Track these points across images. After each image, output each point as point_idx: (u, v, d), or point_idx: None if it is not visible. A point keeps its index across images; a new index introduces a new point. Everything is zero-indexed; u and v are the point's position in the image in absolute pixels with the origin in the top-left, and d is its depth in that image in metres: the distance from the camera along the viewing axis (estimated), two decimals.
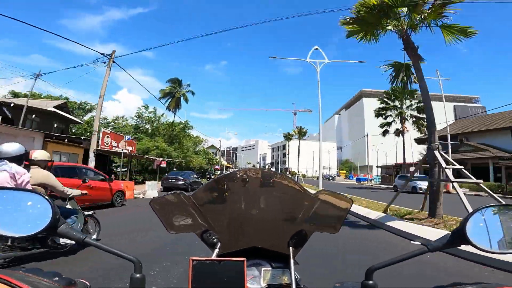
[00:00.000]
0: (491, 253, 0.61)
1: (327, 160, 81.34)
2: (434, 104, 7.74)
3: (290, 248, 0.86)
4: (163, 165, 22.96)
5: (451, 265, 3.81)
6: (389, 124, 30.20)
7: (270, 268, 0.86)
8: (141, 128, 31.06)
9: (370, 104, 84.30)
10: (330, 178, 62.74)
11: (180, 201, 0.84)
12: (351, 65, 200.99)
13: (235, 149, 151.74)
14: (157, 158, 23.21)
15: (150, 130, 30.83)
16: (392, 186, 25.80)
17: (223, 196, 0.89)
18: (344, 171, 79.12)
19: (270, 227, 0.92)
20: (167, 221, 0.87)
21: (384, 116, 30.37)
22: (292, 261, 0.82)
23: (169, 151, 27.03)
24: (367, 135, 45.46)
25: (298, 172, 50.15)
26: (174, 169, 25.56)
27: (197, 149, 39.42)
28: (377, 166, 44.91)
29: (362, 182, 48.11)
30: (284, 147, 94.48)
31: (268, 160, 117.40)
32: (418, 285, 2.77)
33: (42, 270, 0.62)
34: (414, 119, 28.64)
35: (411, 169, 23.95)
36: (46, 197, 0.63)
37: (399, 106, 29.17)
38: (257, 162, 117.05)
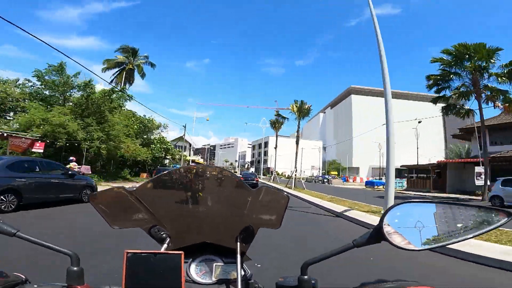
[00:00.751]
0: (405, 250, 0.62)
1: (312, 160, 76.35)
2: None
3: (238, 243, 0.87)
4: (40, 149, 14.31)
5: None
6: (446, 99, 18.91)
7: (222, 263, 0.88)
8: (46, 98, 19.14)
9: (360, 102, 79.99)
10: (325, 180, 48.47)
11: (122, 196, 0.81)
12: (340, 61, 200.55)
13: (213, 146, 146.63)
14: (26, 137, 14.06)
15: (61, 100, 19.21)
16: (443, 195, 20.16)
17: (170, 191, 0.87)
18: (336, 172, 69.54)
19: (219, 223, 0.92)
20: (109, 217, 0.83)
21: (440, 87, 18.50)
22: (238, 256, 0.83)
23: (70, 127, 16.09)
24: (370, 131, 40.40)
25: (275, 170, 46.33)
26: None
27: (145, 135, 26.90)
28: (402, 166, 32.43)
29: (377, 186, 35.25)
30: (266, 144, 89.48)
31: (248, 158, 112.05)
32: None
33: None
34: (492, 93, 16.99)
35: (478, 169, 17.65)
36: None
37: (471, 69, 16.80)
38: (236, 161, 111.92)
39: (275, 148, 37.95)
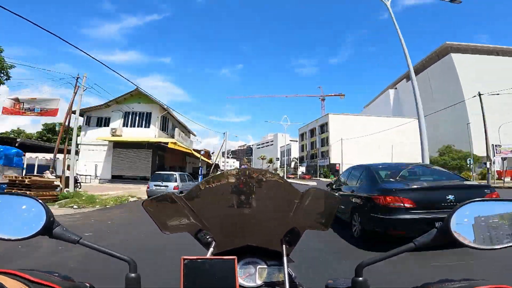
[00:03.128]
0: (476, 249, 0.60)
1: (406, 145, 52.03)
2: None
3: (283, 245, 0.86)
4: None
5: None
6: None
7: (265, 266, 0.87)
8: None
9: (464, 61, 54.36)
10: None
11: (172, 202, 0.86)
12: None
13: (250, 148, 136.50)
14: None
15: None
16: None
17: (215, 195, 0.90)
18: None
19: (263, 225, 0.92)
20: (160, 222, 0.88)
21: None
22: (285, 258, 0.82)
23: None
24: None
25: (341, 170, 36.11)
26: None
27: None
28: None
29: None
30: (324, 128, 65.05)
31: (295, 153, 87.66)
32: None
33: (40, 270, 0.62)
34: None
35: None
36: (40, 200, 0.66)
37: None
38: (277, 159, 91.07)
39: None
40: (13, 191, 8.69)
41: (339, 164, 50.83)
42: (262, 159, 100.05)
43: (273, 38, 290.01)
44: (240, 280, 0.84)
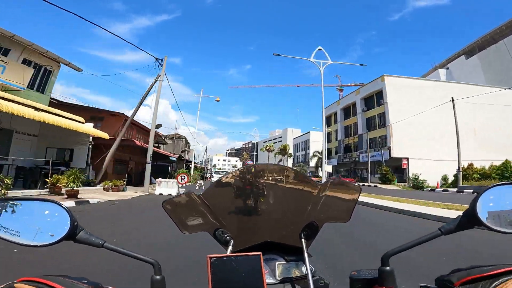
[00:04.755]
0: (503, 233, 0.61)
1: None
2: None
3: (303, 240, 0.85)
4: None
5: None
6: None
7: (284, 262, 0.86)
8: None
9: None
10: None
11: (191, 201, 0.86)
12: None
13: (255, 145, 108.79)
14: None
15: None
16: None
17: (232, 193, 0.91)
18: None
19: (281, 221, 0.92)
20: (180, 222, 0.88)
21: None
22: (306, 253, 0.82)
23: None
24: None
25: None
26: None
27: None
28: None
29: None
30: (369, 101, 41.88)
31: (315, 147, 59.80)
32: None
33: (70, 276, 0.62)
34: None
35: None
36: (63, 205, 0.66)
37: None
38: (290, 155, 68.75)
39: None
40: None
41: (407, 159, 33.57)
42: (268, 150, 69.06)
43: (277, 40, 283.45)
44: None
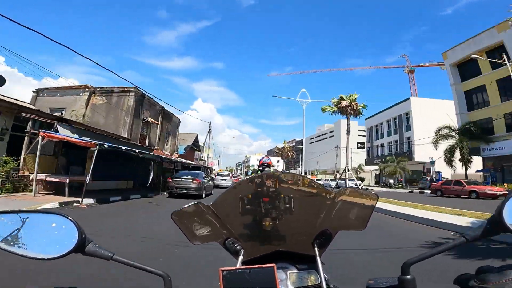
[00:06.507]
0: None
1: None
2: None
3: (316, 248, 0.83)
4: None
5: None
6: None
7: (296, 271, 0.85)
8: None
9: None
10: None
11: (199, 211, 0.85)
12: None
13: (299, 143, 75.12)
14: None
15: None
16: None
17: (242, 202, 0.89)
18: None
19: (293, 230, 0.90)
20: (189, 233, 0.87)
21: None
22: (319, 261, 0.80)
23: None
24: None
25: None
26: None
27: None
28: None
29: None
30: None
31: (423, 122, 36.23)
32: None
33: None
34: None
35: None
36: (70, 217, 0.66)
37: None
38: (346, 167, 32.39)
39: None
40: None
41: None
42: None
43: (318, 41, 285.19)
44: None
